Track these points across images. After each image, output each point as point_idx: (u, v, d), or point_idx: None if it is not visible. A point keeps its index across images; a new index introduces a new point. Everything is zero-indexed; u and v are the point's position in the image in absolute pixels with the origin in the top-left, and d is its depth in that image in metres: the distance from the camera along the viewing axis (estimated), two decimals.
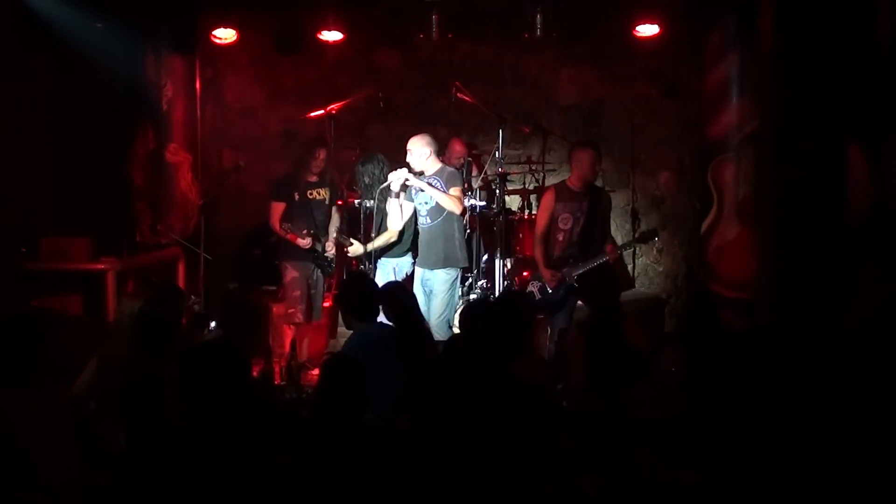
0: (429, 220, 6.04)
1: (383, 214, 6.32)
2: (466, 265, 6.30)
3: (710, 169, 7.29)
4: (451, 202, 5.91)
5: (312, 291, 6.52)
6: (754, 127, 6.52)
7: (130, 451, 3.47)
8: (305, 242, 6.29)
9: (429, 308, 5.97)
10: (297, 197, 6.46)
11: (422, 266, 6.11)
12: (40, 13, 5.88)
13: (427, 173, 6.03)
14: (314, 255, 6.43)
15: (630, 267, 8.17)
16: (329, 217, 6.62)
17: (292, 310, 6.36)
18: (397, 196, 6.12)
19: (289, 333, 6.41)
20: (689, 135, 8.02)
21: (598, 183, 7.62)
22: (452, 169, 6.21)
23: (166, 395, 3.72)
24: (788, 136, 5.73)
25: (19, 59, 5.75)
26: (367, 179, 6.45)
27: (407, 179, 5.98)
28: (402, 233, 6.31)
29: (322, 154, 6.52)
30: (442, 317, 5.91)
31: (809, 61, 5.59)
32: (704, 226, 7.43)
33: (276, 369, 5.57)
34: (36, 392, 3.54)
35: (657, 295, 8.03)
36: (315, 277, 6.53)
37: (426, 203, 6.04)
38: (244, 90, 8.38)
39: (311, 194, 6.50)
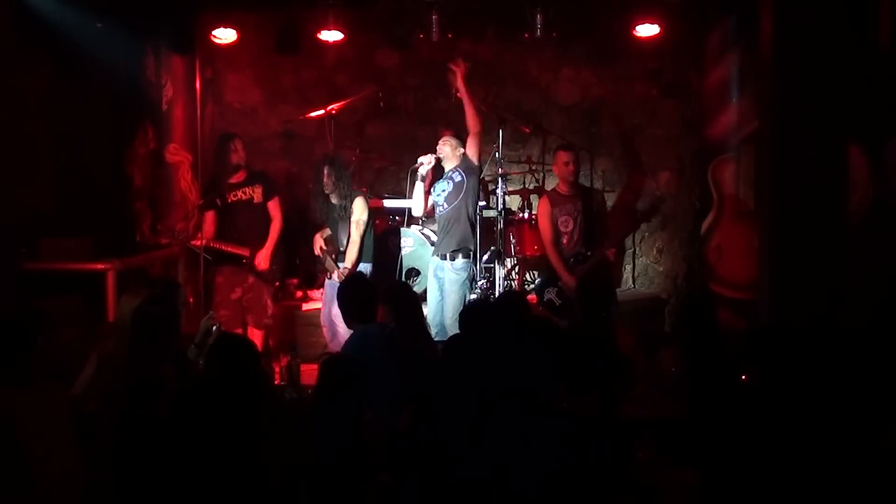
0: (446, 206, 6.18)
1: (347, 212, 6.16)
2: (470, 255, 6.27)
3: (710, 169, 7.29)
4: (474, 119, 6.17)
5: (248, 296, 6.41)
6: (754, 127, 6.52)
7: (130, 450, 3.47)
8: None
9: (442, 306, 6.11)
10: (219, 202, 6.39)
11: (437, 254, 6.24)
12: (40, 13, 5.87)
13: (449, 167, 6.26)
14: (247, 261, 6.33)
15: (630, 267, 8.17)
16: (261, 218, 6.43)
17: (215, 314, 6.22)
18: (423, 180, 6.29)
19: (256, 334, 6.38)
20: (689, 135, 8.01)
21: (598, 185, 7.74)
22: (475, 165, 6.27)
23: (166, 393, 3.72)
24: (788, 136, 5.73)
25: (19, 59, 5.74)
26: (335, 179, 6.15)
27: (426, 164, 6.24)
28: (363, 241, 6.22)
29: (238, 144, 6.40)
30: (454, 317, 5.94)
31: (809, 61, 5.59)
32: (704, 226, 7.43)
33: (276, 369, 5.58)
34: (36, 392, 3.54)
35: (657, 295, 8.02)
36: (249, 283, 6.40)
37: (444, 190, 6.20)
38: (244, 90, 8.38)
39: (233, 196, 6.40)
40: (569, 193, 6.48)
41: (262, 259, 6.38)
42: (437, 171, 6.42)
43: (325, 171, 6.16)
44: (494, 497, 3.20)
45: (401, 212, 7.46)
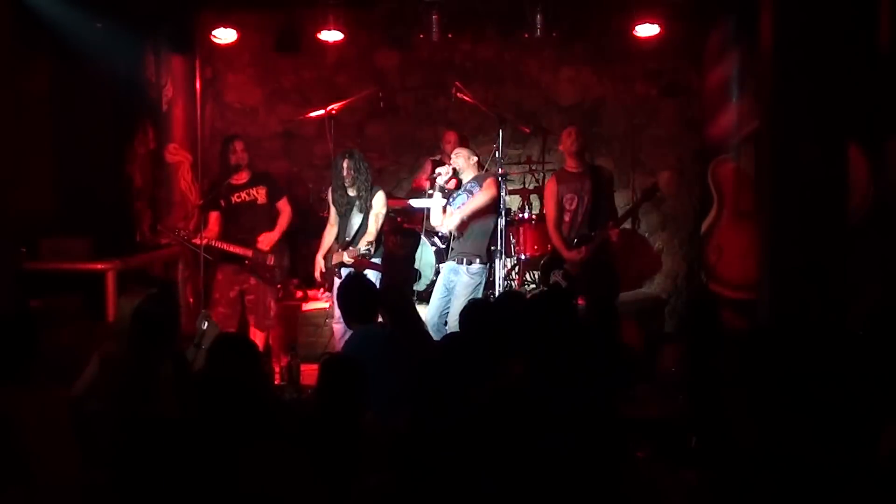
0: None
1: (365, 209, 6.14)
2: (486, 261, 6.30)
3: (710, 169, 7.30)
4: (483, 198, 6.16)
5: (250, 297, 6.38)
6: (754, 127, 6.53)
7: (130, 450, 3.47)
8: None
9: (445, 308, 6.14)
10: (223, 203, 6.38)
11: (453, 258, 6.28)
12: (40, 13, 5.88)
13: (467, 179, 6.34)
14: (249, 263, 6.31)
15: None
16: (265, 220, 6.42)
17: (212, 311, 6.18)
18: (441, 190, 6.35)
19: (258, 335, 6.38)
20: (689, 135, 8.02)
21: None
22: (488, 176, 6.33)
23: (165, 393, 3.73)
24: (788, 136, 5.73)
25: (19, 59, 5.74)
26: (354, 172, 6.08)
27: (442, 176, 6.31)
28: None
29: (238, 146, 6.37)
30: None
31: (809, 61, 5.60)
32: (704, 226, 7.43)
33: (276, 369, 5.59)
34: (36, 392, 3.54)
35: (657, 295, 8.03)
36: (250, 284, 6.37)
37: (464, 203, 6.28)
38: (244, 90, 8.38)
39: (236, 198, 6.39)
40: (577, 170, 6.59)
41: (266, 241, 6.33)
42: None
43: (345, 165, 6.11)
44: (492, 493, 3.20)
45: (402, 213, 7.48)
